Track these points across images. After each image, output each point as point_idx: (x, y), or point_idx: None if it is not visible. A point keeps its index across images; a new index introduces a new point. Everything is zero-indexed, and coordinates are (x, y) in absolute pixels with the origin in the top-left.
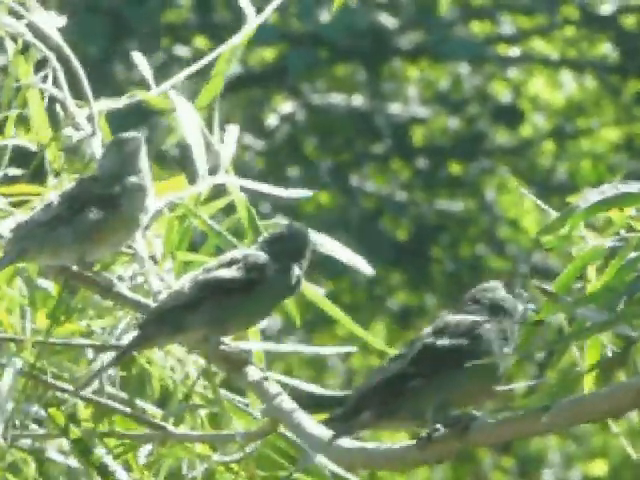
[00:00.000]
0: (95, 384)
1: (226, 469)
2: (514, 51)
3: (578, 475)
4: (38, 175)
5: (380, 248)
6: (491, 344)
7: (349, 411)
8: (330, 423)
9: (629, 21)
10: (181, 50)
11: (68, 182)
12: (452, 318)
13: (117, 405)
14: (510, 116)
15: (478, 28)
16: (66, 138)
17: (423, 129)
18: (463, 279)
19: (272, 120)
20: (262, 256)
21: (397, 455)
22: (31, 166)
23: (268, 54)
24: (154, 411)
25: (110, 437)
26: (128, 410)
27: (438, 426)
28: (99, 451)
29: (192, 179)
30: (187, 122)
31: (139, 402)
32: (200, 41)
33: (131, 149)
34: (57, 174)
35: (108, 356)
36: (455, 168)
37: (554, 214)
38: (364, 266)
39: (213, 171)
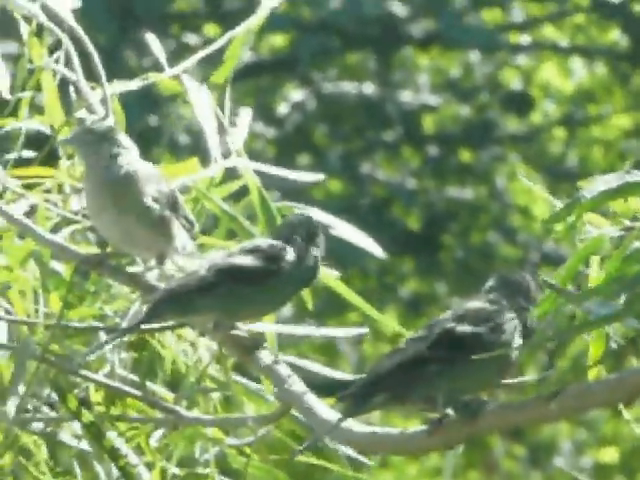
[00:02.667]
0: (107, 367)
1: (238, 452)
2: (524, 38)
3: (589, 462)
4: (51, 158)
5: (391, 236)
6: (509, 334)
7: (362, 391)
8: (341, 403)
9: (639, 7)
10: (191, 38)
11: (80, 165)
12: (472, 305)
13: (129, 389)
14: (520, 103)
15: (489, 16)
16: (79, 121)
17: (434, 117)
18: (474, 267)
19: (283, 108)
20: (283, 247)
21: (407, 440)
22: (44, 149)
23: (278, 41)
24: (166, 394)
25: (122, 421)
26: (140, 394)
27: (448, 412)
28: (111, 435)
29: (205, 164)
30: (199, 104)
31: (150, 385)
32: (210, 29)
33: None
34: (70, 157)
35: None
36: (466, 156)
37: (562, 203)
38: (375, 249)
39: (225, 156)
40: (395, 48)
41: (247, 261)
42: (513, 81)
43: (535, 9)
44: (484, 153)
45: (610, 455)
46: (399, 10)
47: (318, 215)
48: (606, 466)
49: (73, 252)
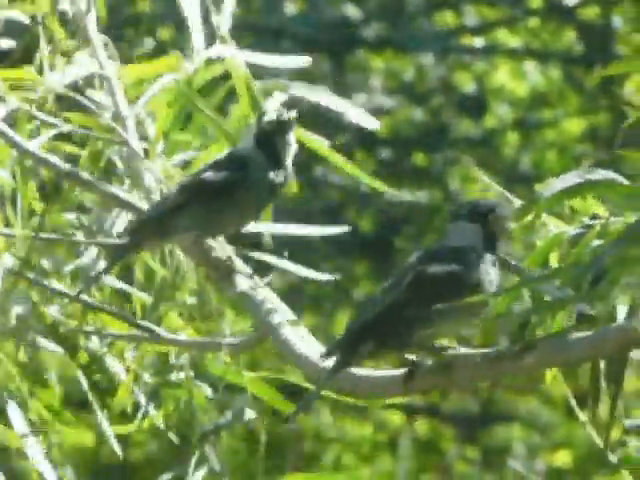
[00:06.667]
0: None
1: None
2: (478, 42)
3: (542, 466)
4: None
5: (345, 239)
6: (481, 272)
7: (348, 342)
8: (328, 355)
9: (592, 12)
10: None
11: (59, 58)
12: (439, 245)
13: (105, 306)
14: (474, 107)
15: (442, 19)
16: (61, 13)
17: (388, 120)
18: None
19: None
20: (246, 155)
21: (382, 383)
22: (24, 40)
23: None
24: (140, 296)
25: (97, 335)
26: (117, 311)
27: (423, 359)
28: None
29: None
30: None
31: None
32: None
33: None
34: (50, 42)
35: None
36: (420, 159)
37: (519, 203)
38: (369, 120)
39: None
40: (348, 51)
41: (212, 175)
42: (467, 84)
43: (488, 13)
44: (438, 156)
45: (564, 458)
46: (353, 13)
47: (301, 90)
48: (560, 470)
49: (52, 164)
